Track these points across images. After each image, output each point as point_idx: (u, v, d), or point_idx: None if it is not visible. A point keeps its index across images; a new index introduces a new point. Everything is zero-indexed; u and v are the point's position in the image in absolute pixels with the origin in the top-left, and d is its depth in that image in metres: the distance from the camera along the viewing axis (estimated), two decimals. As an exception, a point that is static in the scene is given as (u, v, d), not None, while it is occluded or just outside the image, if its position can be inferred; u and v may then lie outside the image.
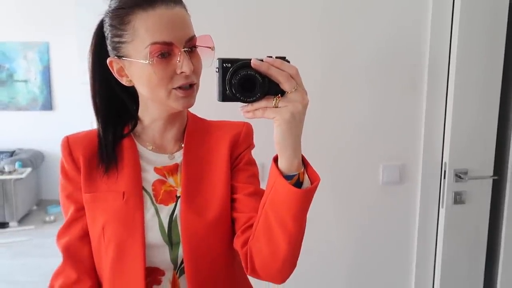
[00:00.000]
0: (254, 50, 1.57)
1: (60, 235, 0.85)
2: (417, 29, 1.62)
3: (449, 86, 1.63)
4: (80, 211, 0.83)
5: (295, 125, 0.64)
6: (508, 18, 1.58)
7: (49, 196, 5.14)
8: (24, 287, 3.12)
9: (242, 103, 0.65)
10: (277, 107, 0.63)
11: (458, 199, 1.66)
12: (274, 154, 0.69)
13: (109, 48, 0.80)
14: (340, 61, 1.64)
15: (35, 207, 4.89)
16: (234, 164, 0.88)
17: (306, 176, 0.69)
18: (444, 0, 1.58)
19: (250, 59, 0.63)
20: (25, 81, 4.98)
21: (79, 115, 4.89)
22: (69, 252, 0.84)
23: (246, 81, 0.63)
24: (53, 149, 5.10)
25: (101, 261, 0.83)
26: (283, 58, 0.65)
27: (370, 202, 1.73)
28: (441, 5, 1.59)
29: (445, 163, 1.66)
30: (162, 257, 0.81)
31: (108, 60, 0.80)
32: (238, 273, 0.89)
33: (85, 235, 0.84)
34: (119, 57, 0.78)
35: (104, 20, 0.80)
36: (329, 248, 1.76)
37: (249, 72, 0.62)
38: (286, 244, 0.70)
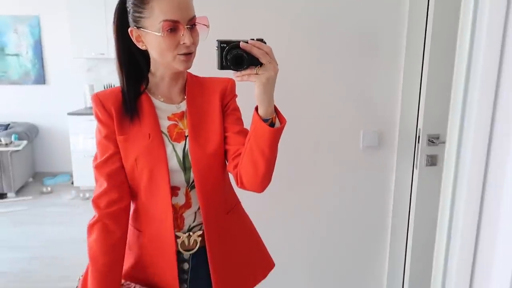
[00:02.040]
0: (245, 27, 1.72)
1: (100, 166, 1.08)
2: (396, 4, 1.75)
3: (424, 59, 1.78)
4: (117, 147, 1.08)
5: (269, 86, 0.93)
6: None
7: (44, 169, 5.24)
8: (25, 252, 3.26)
9: (233, 71, 0.94)
10: (258, 74, 0.92)
11: (430, 161, 1.84)
12: (255, 105, 0.98)
13: (130, 20, 1.03)
14: (323, 34, 1.78)
15: (30, 179, 4.99)
16: (224, 110, 1.15)
17: (277, 120, 0.98)
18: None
19: (239, 41, 0.92)
20: (17, 55, 4.99)
21: (71, 88, 4.99)
22: (112, 179, 1.08)
23: (237, 58, 0.92)
24: (47, 122, 5.17)
25: (136, 183, 1.10)
26: (261, 40, 0.94)
27: (352, 164, 1.90)
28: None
29: (420, 129, 1.83)
30: (178, 178, 1.10)
31: (129, 29, 1.04)
32: (228, 187, 1.22)
33: (122, 166, 1.09)
34: (138, 27, 1.02)
35: None
36: (313, 205, 1.94)
37: (238, 51, 0.92)
38: (264, 165, 1.00)
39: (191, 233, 1.14)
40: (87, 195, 4.44)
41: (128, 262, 1.17)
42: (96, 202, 1.08)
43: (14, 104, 5.09)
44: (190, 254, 1.15)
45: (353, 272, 2.01)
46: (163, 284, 1.14)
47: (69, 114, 4.55)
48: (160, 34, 0.97)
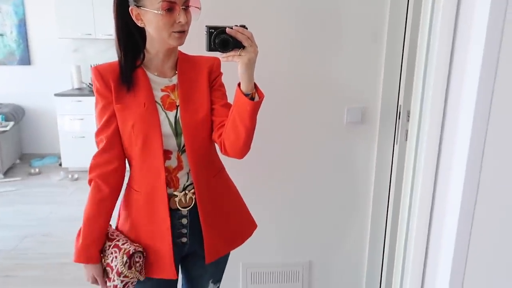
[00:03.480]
0: (231, 13, 1.78)
1: (97, 133, 1.23)
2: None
3: (405, 38, 1.87)
4: (112, 117, 1.22)
5: (250, 65, 1.08)
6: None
7: (31, 150, 5.24)
8: (17, 230, 3.31)
9: (220, 53, 1.08)
10: (240, 55, 1.07)
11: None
12: (238, 82, 1.13)
13: (130, 0, 1.15)
14: (306, 15, 1.83)
15: (18, 161, 4.98)
16: (211, 84, 1.29)
17: (256, 94, 1.14)
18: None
19: (225, 27, 1.05)
20: (1, 34, 4.92)
21: (57, 69, 4.96)
22: (105, 144, 1.22)
23: (223, 41, 1.06)
24: (33, 104, 5.14)
25: (132, 148, 1.23)
26: (244, 26, 1.07)
27: (336, 139, 1.98)
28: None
29: (400, 105, 1.93)
30: (171, 143, 1.24)
31: (130, 8, 1.16)
32: (213, 153, 1.36)
33: (114, 133, 1.22)
34: (138, 6, 1.14)
35: None
36: (298, 176, 2.03)
37: (225, 36, 1.05)
38: (244, 134, 1.17)
39: (186, 191, 1.28)
40: (76, 176, 4.46)
41: (126, 224, 1.31)
42: (91, 162, 1.24)
43: (-1, 85, 5.04)
44: (187, 210, 1.29)
45: (335, 238, 2.13)
46: (158, 238, 1.26)
47: (56, 95, 4.54)
48: (159, 12, 1.10)
